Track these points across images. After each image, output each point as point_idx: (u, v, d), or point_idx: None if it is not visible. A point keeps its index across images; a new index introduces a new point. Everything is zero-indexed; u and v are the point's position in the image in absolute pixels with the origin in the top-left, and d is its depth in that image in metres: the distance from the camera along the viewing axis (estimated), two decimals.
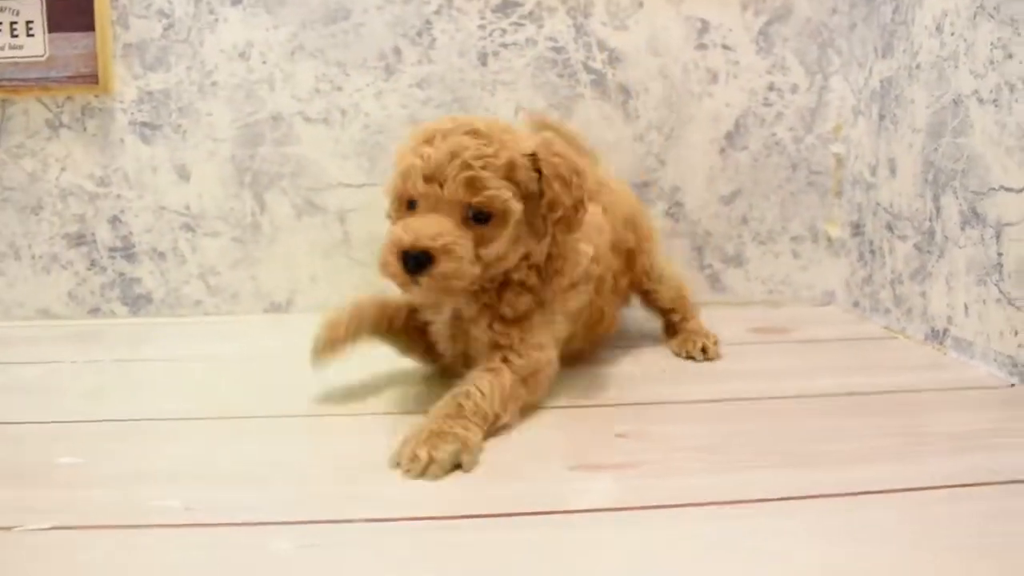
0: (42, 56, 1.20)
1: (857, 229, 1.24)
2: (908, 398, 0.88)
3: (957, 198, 0.99)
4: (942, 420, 0.82)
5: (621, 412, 0.85)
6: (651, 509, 0.62)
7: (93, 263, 1.26)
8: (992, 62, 0.92)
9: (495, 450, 0.74)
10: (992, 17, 0.92)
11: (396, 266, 0.76)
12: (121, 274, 1.26)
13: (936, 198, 1.03)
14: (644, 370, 0.99)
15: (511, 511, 0.62)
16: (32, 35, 1.20)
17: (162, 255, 1.26)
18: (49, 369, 1.02)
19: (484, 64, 1.23)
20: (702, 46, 1.24)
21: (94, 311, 1.27)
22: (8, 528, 0.59)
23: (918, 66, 1.06)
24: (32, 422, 0.83)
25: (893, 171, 1.13)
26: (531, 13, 1.22)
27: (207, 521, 0.60)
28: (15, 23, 1.19)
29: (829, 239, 1.30)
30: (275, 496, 0.65)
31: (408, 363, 0.97)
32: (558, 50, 1.23)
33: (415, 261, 0.75)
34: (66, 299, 1.26)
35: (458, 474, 0.69)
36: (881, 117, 1.16)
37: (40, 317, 1.26)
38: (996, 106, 0.92)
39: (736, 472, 0.69)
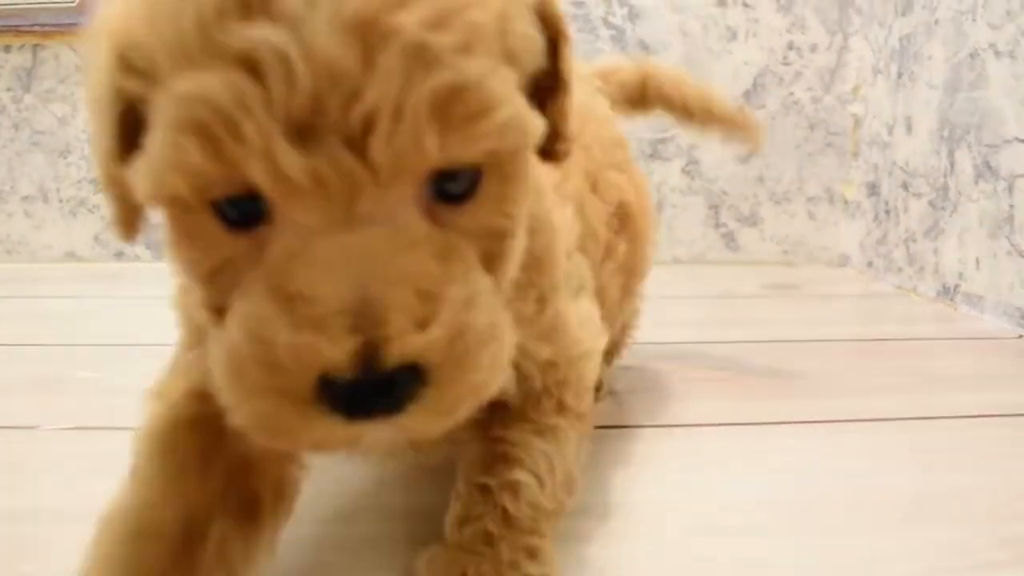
0: (74, 2, 1.23)
1: (873, 189, 1.24)
2: (917, 346, 0.89)
3: (971, 152, 0.99)
4: (951, 365, 0.82)
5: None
6: (664, 427, 0.63)
7: None
8: (1009, 12, 0.92)
9: None
10: None
11: (309, 412, 0.29)
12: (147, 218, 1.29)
13: (951, 153, 1.04)
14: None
15: None
16: None
17: None
18: (74, 303, 1.05)
19: None
20: (722, 3, 1.25)
21: (119, 254, 1.30)
22: (31, 427, 0.62)
23: (937, 21, 1.06)
24: (55, 344, 0.86)
25: (909, 129, 1.13)
26: None
27: None
28: None
29: (845, 200, 1.31)
30: None
31: None
32: (578, 4, 1.24)
33: (387, 390, 0.28)
34: (92, 242, 1.29)
35: None
36: (899, 75, 1.16)
37: (67, 259, 1.30)
38: (1012, 58, 0.92)
39: (752, 400, 0.70)
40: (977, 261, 0.99)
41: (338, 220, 0.28)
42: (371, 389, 0.28)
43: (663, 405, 0.67)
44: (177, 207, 0.29)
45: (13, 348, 0.84)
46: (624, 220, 0.59)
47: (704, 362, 0.80)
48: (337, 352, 0.27)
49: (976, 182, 0.98)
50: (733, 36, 1.25)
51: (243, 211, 0.29)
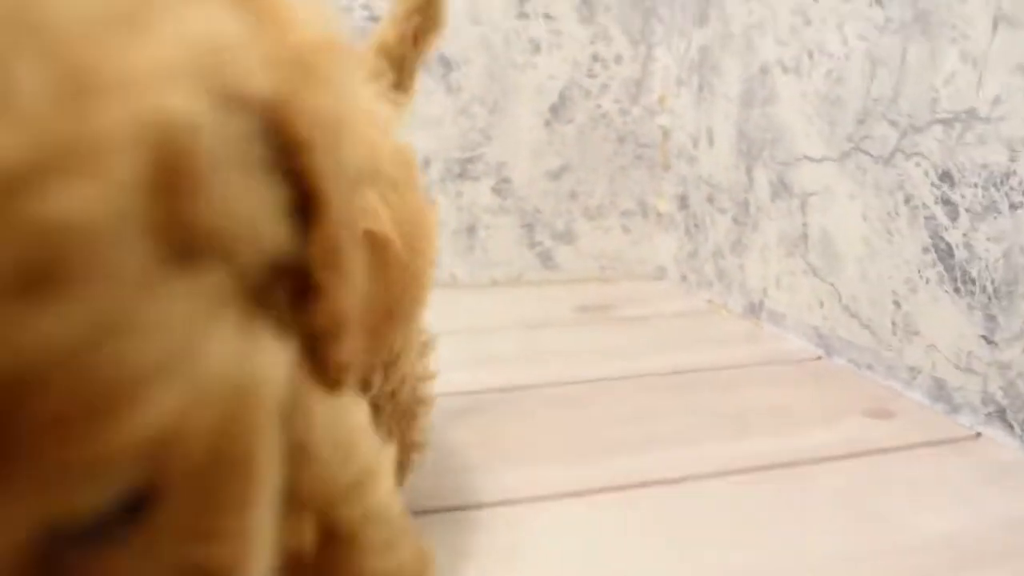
0: None
1: (683, 202, 1.23)
2: (726, 375, 0.86)
3: (767, 169, 0.98)
4: (756, 396, 0.80)
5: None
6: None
7: None
8: (793, 29, 0.91)
9: None
10: None
11: None
12: None
13: (749, 169, 1.02)
14: None
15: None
16: None
17: None
18: None
19: None
20: (523, 15, 1.20)
21: None
22: None
23: (730, 34, 1.05)
24: None
25: (711, 142, 1.12)
26: None
27: None
28: None
29: (659, 213, 1.29)
30: None
31: None
32: (374, 19, 1.16)
33: None
34: None
35: None
36: (700, 88, 1.14)
37: None
38: (798, 75, 0.91)
39: (538, 466, 0.65)
40: (777, 279, 0.97)
41: None
42: None
43: (451, 480, 0.61)
44: None
45: None
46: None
47: (506, 416, 0.74)
48: None
49: (773, 199, 0.97)
50: (537, 49, 1.21)
51: None
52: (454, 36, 1.18)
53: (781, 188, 0.95)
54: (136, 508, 0.17)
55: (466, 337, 1.00)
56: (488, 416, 0.74)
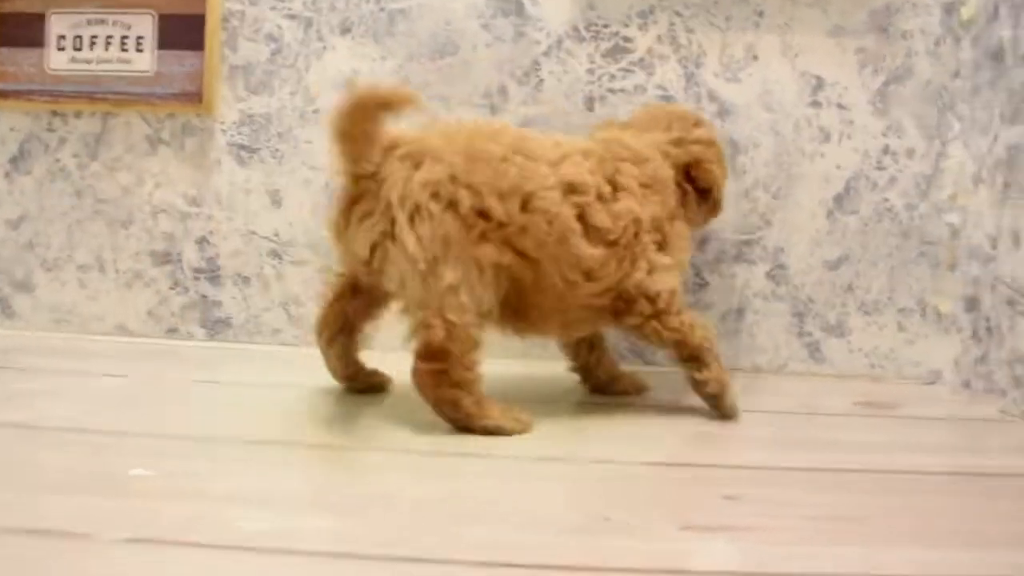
0: (149, 72, 1.20)
1: (971, 304, 1.17)
2: None
3: None
4: None
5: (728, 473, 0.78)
6: None
7: (176, 283, 1.24)
8: None
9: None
10: None
11: None
12: (203, 296, 1.24)
13: None
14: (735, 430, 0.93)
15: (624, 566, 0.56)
16: (141, 51, 1.20)
17: (246, 280, 1.24)
18: (124, 382, 1.00)
19: (591, 110, 1.20)
20: (816, 103, 1.20)
21: (171, 331, 1.24)
22: (85, 535, 0.55)
23: None
24: (106, 432, 0.80)
25: (1017, 243, 1.06)
26: (641, 60, 1.20)
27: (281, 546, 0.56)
28: (126, 38, 1.20)
29: (939, 314, 1.23)
30: (368, 529, 0.60)
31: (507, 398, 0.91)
32: (666, 99, 1.20)
33: None
34: (145, 316, 1.24)
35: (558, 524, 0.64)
36: (1006, 186, 1.10)
37: (117, 332, 1.25)
38: None
39: (867, 545, 0.62)
40: None
41: None
42: None
43: (765, 548, 0.59)
44: None
45: (65, 434, 0.78)
46: None
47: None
48: None
49: None
50: (826, 138, 1.20)
51: None
52: (744, 120, 1.20)
53: None
54: None
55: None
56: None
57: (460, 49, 1.20)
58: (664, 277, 0.91)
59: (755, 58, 1.19)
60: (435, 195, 0.81)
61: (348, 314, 0.94)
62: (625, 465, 0.78)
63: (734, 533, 0.62)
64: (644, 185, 0.93)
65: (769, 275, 1.22)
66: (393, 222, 0.81)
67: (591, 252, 0.87)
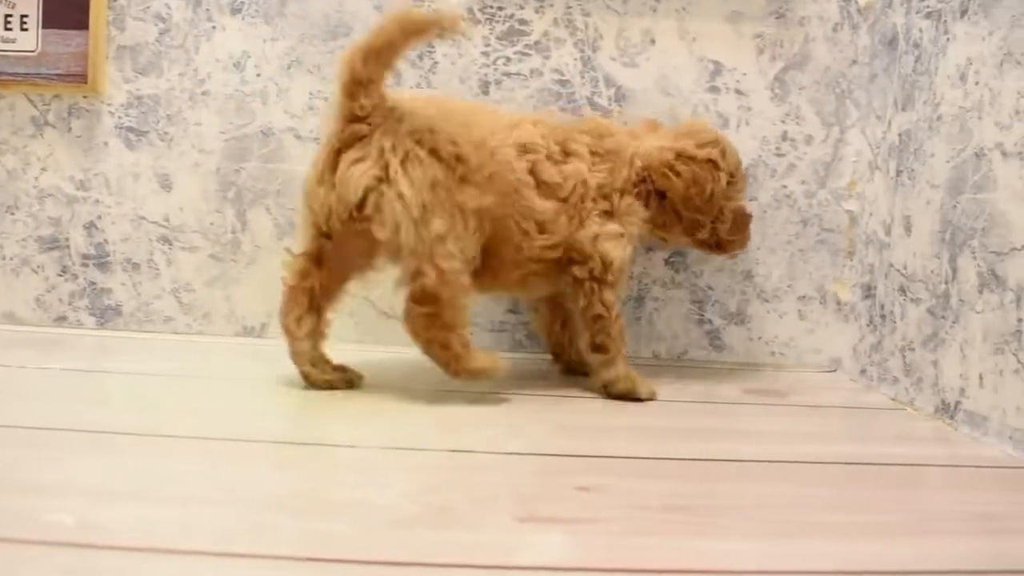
0: (34, 51, 1.17)
1: (868, 291, 1.16)
2: (911, 472, 0.79)
3: (975, 259, 0.92)
4: (949, 499, 0.73)
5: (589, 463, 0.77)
6: (613, 572, 0.54)
7: (64, 269, 1.20)
8: (1018, 112, 0.85)
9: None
10: (1020, 64, 0.86)
11: None
12: (92, 283, 1.20)
13: (953, 259, 0.96)
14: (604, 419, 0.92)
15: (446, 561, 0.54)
16: (26, 29, 1.16)
17: (136, 266, 1.20)
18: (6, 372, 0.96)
19: (486, 93, 1.18)
20: (714, 89, 1.19)
21: (60, 319, 1.21)
22: None
23: (939, 118, 1.00)
24: None
25: (908, 229, 1.06)
26: (537, 43, 1.18)
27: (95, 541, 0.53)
28: (9, 16, 1.16)
29: (838, 302, 1.22)
30: (184, 520, 0.58)
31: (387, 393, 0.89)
32: (563, 83, 1.18)
33: None
34: (33, 304, 1.21)
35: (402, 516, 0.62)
36: (898, 172, 1.09)
37: (4, 321, 1.21)
38: (1022, 159, 0.85)
39: (716, 537, 0.60)
40: (981, 378, 0.90)
41: None
42: None
43: (606, 540, 0.58)
44: None
45: None
46: None
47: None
48: None
49: (981, 291, 0.90)
50: (725, 124, 1.19)
51: None
52: (642, 105, 1.19)
53: (991, 279, 0.88)
54: None
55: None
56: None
57: (353, 31, 1.17)
58: (617, 246, 0.98)
59: (652, 42, 1.18)
60: (419, 142, 0.88)
61: (314, 290, 0.92)
62: (483, 455, 0.76)
63: (576, 525, 0.60)
64: (595, 153, 1.00)
65: (668, 262, 1.21)
66: (387, 167, 0.86)
67: (543, 205, 0.95)
